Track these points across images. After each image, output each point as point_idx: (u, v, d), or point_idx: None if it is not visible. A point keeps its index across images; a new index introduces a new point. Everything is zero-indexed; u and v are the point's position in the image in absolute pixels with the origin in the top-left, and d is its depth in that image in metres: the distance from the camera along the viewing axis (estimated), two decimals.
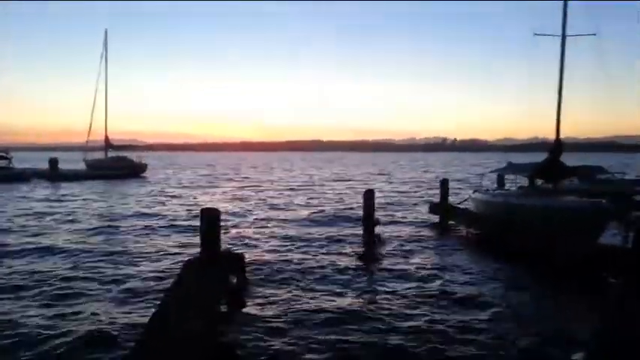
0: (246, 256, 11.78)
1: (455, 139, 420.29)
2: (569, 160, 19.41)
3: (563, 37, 16.36)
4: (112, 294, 10.12)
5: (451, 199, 21.94)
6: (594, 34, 16.34)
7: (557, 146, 16.70)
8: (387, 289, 10.64)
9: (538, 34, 17.00)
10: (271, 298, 9.87)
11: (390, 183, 46.05)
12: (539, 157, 17.74)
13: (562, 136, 17.01)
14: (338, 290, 10.59)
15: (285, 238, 16.78)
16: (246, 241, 16.21)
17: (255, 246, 15.35)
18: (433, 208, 21.31)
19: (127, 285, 10.77)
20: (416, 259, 13.67)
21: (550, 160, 16.82)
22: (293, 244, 15.63)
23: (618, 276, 10.01)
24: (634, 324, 6.54)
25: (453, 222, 19.43)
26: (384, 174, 63.02)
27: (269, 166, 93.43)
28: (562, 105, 16.71)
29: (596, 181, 23.86)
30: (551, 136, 17.08)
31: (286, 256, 13.92)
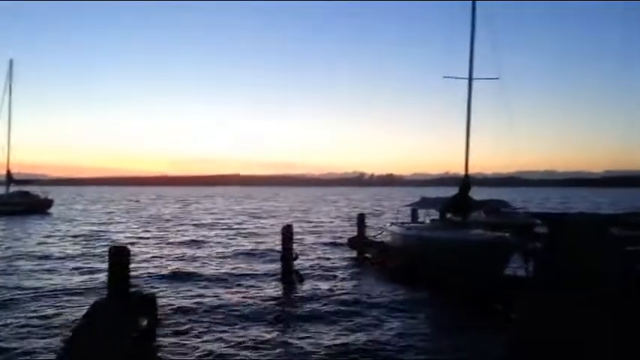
0: (159, 296, 11.25)
1: (372, 174, 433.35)
2: (478, 194, 20.64)
3: (470, 80, 17.56)
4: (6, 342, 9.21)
5: (368, 232, 22.41)
6: (497, 78, 17.70)
7: (465, 182, 17.66)
8: (304, 326, 10.54)
9: (447, 77, 18.14)
10: (182, 342, 9.44)
11: (309, 217, 46.34)
12: (451, 191, 18.67)
13: (471, 171, 18.06)
14: (254, 329, 10.34)
15: (200, 275, 16.27)
16: (159, 280, 15.52)
17: (169, 285, 14.72)
18: (350, 242, 21.62)
19: (27, 329, 9.89)
20: (333, 292, 13.74)
21: (459, 195, 17.73)
22: (208, 282, 15.17)
23: (520, 304, 10.58)
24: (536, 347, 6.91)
25: (369, 255, 19.80)
26: (302, 208, 63.38)
27: (185, 200, 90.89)
28: (470, 143, 17.81)
29: (501, 214, 25.40)
30: (461, 171, 18.09)
31: (201, 294, 13.45)
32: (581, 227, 25.66)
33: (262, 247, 23.47)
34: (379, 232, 22.22)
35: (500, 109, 17.70)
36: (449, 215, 20.55)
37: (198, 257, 20.37)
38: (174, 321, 10.80)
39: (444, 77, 18.12)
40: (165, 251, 22.17)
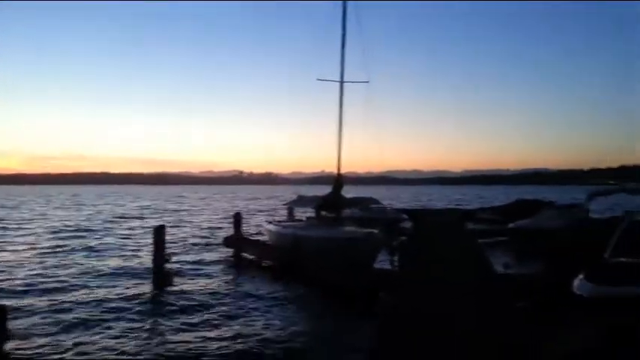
0: (10, 306, 10.24)
1: (251, 173, 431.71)
2: (351, 192, 21.60)
3: (342, 82, 18.34)
4: None
5: (245, 231, 22.37)
6: (367, 82, 18.69)
7: (338, 181, 18.40)
8: (176, 327, 10.28)
9: (320, 79, 18.76)
10: (36, 357, 8.72)
11: (184, 217, 44.96)
12: (326, 190, 19.32)
13: (344, 171, 18.86)
14: (121, 336, 9.86)
15: (62, 281, 15.09)
16: (12, 288, 14.12)
17: (24, 294, 13.45)
18: (227, 241, 21.41)
19: None
20: (209, 292, 13.55)
21: (332, 194, 18.43)
22: (72, 288, 14.14)
23: (384, 297, 11.29)
24: (402, 336, 7.46)
25: (246, 253, 19.78)
26: (178, 208, 61.28)
27: (50, 201, 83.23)
28: (343, 143, 18.59)
29: (371, 211, 26.81)
30: (336, 170, 18.82)
31: (63, 302, 12.49)
32: (441, 222, 28.10)
33: (135, 249, 22.33)
34: (257, 231, 22.31)
35: (371, 110, 18.73)
36: (323, 213, 21.26)
37: (59, 265, 18.80)
38: (31, 331, 9.92)
39: (318, 79, 18.74)
40: (23, 257, 20.16)
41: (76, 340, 9.49)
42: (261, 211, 51.05)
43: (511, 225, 24.12)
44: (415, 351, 6.76)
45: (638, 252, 10.50)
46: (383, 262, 16.65)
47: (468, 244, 18.66)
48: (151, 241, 15.31)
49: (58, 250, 22.20)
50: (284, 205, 24.54)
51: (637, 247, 10.90)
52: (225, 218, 40.71)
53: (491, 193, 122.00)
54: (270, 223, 21.17)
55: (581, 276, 9.27)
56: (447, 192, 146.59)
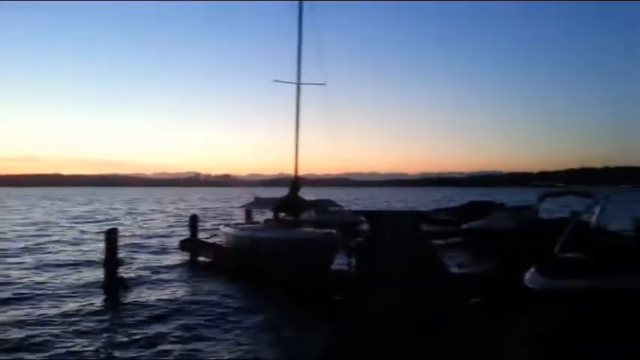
0: None
1: (209, 174, 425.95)
2: (309, 194, 21.58)
3: (298, 84, 18.31)
4: None
5: (201, 234, 21.98)
6: (324, 84, 18.73)
7: (295, 183, 18.36)
8: (131, 341, 9.93)
9: (277, 81, 18.66)
10: None
11: (138, 220, 43.84)
12: (284, 192, 19.23)
13: (302, 172, 18.83)
14: (70, 345, 9.47)
15: (5, 288, 14.39)
16: None
17: None
18: (183, 245, 20.98)
19: None
20: (164, 298, 13.20)
21: (290, 196, 18.36)
22: (18, 295, 13.48)
23: (344, 298, 11.33)
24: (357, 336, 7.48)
25: (203, 257, 19.43)
26: (131, 210, 59.71)
27: None
28: (301, 145, 18.56)
29: (329, 213, 26.91)
30: (293, 172, 18.76)
31: (6, 310, 11.91)
32: (397, 224, 28.50)
33: (87, 254, 21.56)
34: (213, 233, 21.97)
35: (328, 112, 18.82)
36: (281, 215, 21.16)
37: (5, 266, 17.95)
38: None
39: (274, 81, 18.64)
40: None
41: None
42: (218, 213, 50.45)
43: (465, 226, 24.74)
44: (370, 353, 6.79)
45: (584, 248, 11.06)
46: (340, 263, 16.73)
47: (423, 245, 18.99)
48: (102, 245, 14.82)
49: None
50: (241, 207, 24.26)
51: (582, 244, 11.47)
52: (180, 221, 39.98)
53: (446, 195, 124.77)
54: (226, 225, 20.88)
55: (532, 269, 9.67)
56: (404, 194, 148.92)
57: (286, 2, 18.75)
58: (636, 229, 19.08)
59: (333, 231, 16.12)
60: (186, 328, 10.50)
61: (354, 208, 43.79)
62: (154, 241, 26.44)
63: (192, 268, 18.28)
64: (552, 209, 26.59)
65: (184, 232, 26.32)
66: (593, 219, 12.91)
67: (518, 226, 18.40)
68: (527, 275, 9.63)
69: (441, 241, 24.31)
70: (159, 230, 33.54)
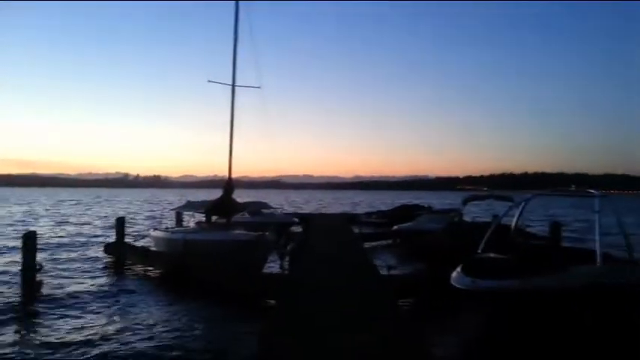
0: None
1: (138, 175, 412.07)
2: (244, 196, 21.39)
3: (233, 86, 18.12)
4: None
5: (130, 238, 21.21)
6: (259, 87, 18.65)
7: (228, 185, 18.15)
8: (46, 348, 9.43)
9: (211, 81, 18.37)
10: None
11: (60, 222, 41.58)
12: (217, 193, 18.93)
13: (237, 174, 18.64)
14: None
15: None
16: None
17: None
18: (109, 249, 20.16)
19: None
20: (87, 306, 12.59)
21: (223, 198, 18.13)
22: None
23: (276, 301, 11.33)
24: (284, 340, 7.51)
25: (130, 261, 18.75)
26: (51, 212, 56.52)
27: None
28: (236, 147, 18.37)
29: (263, 215, 26.82)
30: (227, 174, 18.50)
31: None
32: (330, 226, 28.81)
33: None
34: (142, 236, 21.29)
35: (264, 115, 18.76)
36: (214, 217, 20.84)
37: None
38: None
39: (209, 81, 18.34)
40: None
41: None
42: (147, 216, 48.81)
43: (395, 228, 25.46)
44: (301, 354, 6.84)
45: (505, 249, 11.76)
46: (273, 265, 16.71)
47: (355, 247, 19.32)
48: (18, 249, 13.94)
49: None
50: (172, 210, 23.65)
51: (503, 245, 12.18)
52: (105, 224, 38.34)
53: (378, 197, 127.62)
54: (156, 229, 20.27)
55: (458, 270, 10.13)
56: (338, 196, 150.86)
57: (223, 2, 18.54)
58: (551, 231, 20.53)
59: (266, 233, 16.07)
60: (106, 341, 10.09)
61: (288, 210, 43.89)
62: (77, 245, 25.14)
63: (118, 273, 17.57)
64: (476, 212, 27.88)
65: (110, 235, 25.33)
66: (513, 221, 13.71)
67: (444, 227, 19.22)
68: (454, 275, 10.08)
69: (372, 243, 24.87)
70: (83, 233, 31.94)
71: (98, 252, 21.34)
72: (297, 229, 28.45)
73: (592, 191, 12.00)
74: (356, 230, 26.15)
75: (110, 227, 33.50)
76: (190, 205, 20.70)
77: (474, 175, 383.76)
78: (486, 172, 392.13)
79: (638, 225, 41.84)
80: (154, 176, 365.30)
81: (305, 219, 32.78)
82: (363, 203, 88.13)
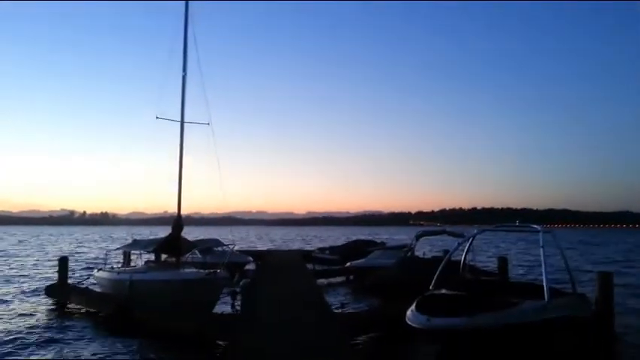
0: None
1: (84, 213, 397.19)
2: (195, 233, 20.91)
3: (182, 122, 17.98)
4: None
5: (73, 278, 20.24)
6: (208, 123, 18.54)
7: (177, 222, 17.75)
8: None
9: (160, 118, 18.16)
10: None
11: None
12: (167, 231, 18.44)
13: (189, 211, 18.29)
14: None
15: None
16: None
17: None
18: (50, 290, 19.13)
19: None
20: (21, 353, 11.81)
21: (172, 236, 17.69)
22: None
23: (226, 342, 11.01)
24: None
25: (73, 304, 17.82)
26: None
27: None
28: (186, 184, 18.07)
29: (214, 253, 26.24)
30: (177, 211, 18.10)
31: None
32: (283, 263, 28.56)
33: None
34: (86, 277, 20.37)
35: (214, 152, 18.60)
36: (163, 257, 20.24)
37: None
38: None
39: (157, 118, 18.14)
40: None
41: None
42: (93, 255, 46.85)
43: (348, 264, 25.48)
44: None
45: (456, 285, 11.95)
46: (224, 305, 16.28)
47: (308, 284, 19.17)
48: None
49: None
50: (118, 249, 22.79)
51: (454, 280, 12.40)
52: (48, 263, 36.49)
53: (332, 233, 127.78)
54: (101, 269, 19.45)
55: (412, 308, 10.19)
56: (292, 232, 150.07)
57: (173, 35, 18.53)
58: (499, 265, 21.08)
59: (217, 272, 15.71)
60: None
61: (241, 247, 43.19)
62: (16, 287, 23.74)
63: (60, 316, 16.64)
64: (428, 247, 28.34)
65: (52, 276, 24.09)
66: (462, 257, 14.01)
67: (396, 263, 19.39)
68: (408, 313, 10.11)
69: (325, 280, 24.75)
70: (21, 274, 30.24)
71: (39, 294, 20.22)
72: (250, 266, 27.98)
73: (536, 227, 12.44)
74: (309, 267, 26.02)
75: (52, 267, 31.94)
76: (137, 244, 20.03)
77: (425, 210, 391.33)
78: (437, 208, 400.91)
79: (580, 257, 43.67)
80: (102, 213, 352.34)
81: (258, 256, 32.35)
82: (317, 239, 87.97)
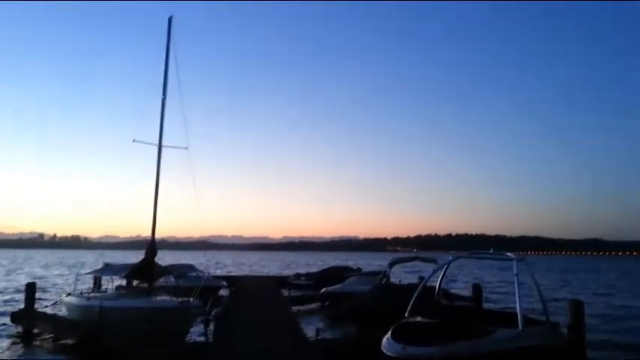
0: None
1: (55, 235, 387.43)
2: (170, 257, 20.56)
3: (160, 146, 17.86)
4: None
5: (40, 304, 19.62)
6: (186, 148, 18.45)
7: (151, 247, 17.45)
8: None
9: (137, 141, 18.01)
10: None
11: None
12: (141, 255, 18.09)
13: (164, 235, 18.05)
14: None
15: None
16: None
17: None
18: (15, 317, 18.48)
19: None
20: None
21: (145, 261, 17.36)
22: None
23: None
24: None
25: (40, 331, 17.24)
26: None
27: None
28: (161, 207, 17.86)
29: (188, 278, 25.82)
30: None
31: None
32: (258, 289, 28.25)
33: None
34: (54, 303, 19.76)
35: (191, 176, 18.47)
36: (135, 282, 19.82)
37: None
38: None
39: (134, 141, 17.98)
40: None
41: None
42: (62, 280, 45.55)
43: (323, 290, 25.36)
44: None
45: (431, 312, 11.97)
46: (197, 333, 15.95)
47: (283, 311, 18.95)
48: None
49: None
50: (88, 273, 22.24)
51: (429, 308, 12.42)
52: (15, 288, 35.32)
53: (308, 259, 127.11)
54: (70, 294, 18.89)
55: (387, 336, 10.15)
56: (268, 257, 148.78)
57: (152, 57, 18.57)
58: (473, 292, 21.22)
59: (191, 299, 15.44)
60: None
61: (217, 272, 42.64)
62: None
63: (27, 344, 16.08)
64: (403, 273, 28.43)
65: (18, 302, 23.31)
66: (438, 284, 14.06)
67: (372, 290, 19.37)
68: (384, 342, 10.06)
69: (301, 306, 24.52)
70: None
71: (4, 320, 19.53)
72: (225, 292, 27.59)
73: (509, 254, 12.58)
74: (285, 293, 25.77)
75: (19, 292, 30.90)
76: (108, 269, 19.59)
77: (401, 236, 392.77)
78: (413, 234, 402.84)
79: (553, 285, 44.30)
80: (73, 236, 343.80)
81: (233, 282, 31.93)
82: (293, 264, 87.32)
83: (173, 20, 18.80)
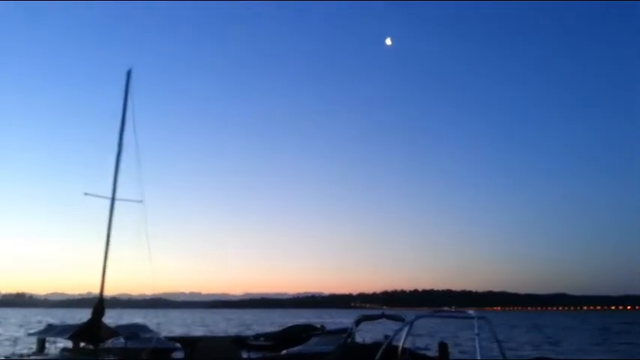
0: None
1: None
2: (122, 315, 19.28)
3: (113, 199, 17.15)
4: None
5: None
6: (141, 201, 17.78)
7: (98, 307, 16.40)
8: None
9: (88, 194, 17.28)
10: None
11: None
12: (89, 314, 16.98)
13: (115, 292, 17.14)
14: None
15: None
16: None
17: None
18: None
19: None
20: None
21: (92, 321, 16.27)
22: None
23: None
24: None
25: None
26: None
27: None
28: (112, 264, 16.94)
29: (140, 339, 24.34)
30: (104, 292, 16.79)
31: None
32: (215, 350, 26.89)
33: None
34: None
35: (145, 231, 17.71)
36: (82, 344, 18.51)
37: None
38: None
39: (85, 194, 17.27)
40: None
41: None
42: (2, 341, 42.36)
43: (284, 352, 24.31)
44: None
45: None
46: None
47: None
48: None
49: None
50: (31, 334, 20.65)
51: None
52: None
53: (269, 317, 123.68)
54: (8, 359, 17.40)
55: None
56: (227, 316, 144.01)
57: (109, 111, 18.13)
58: (439, 350, 20.67)
59: None
60: None
61: (172, 332, 40.61)
62: None
63: None
64: (369, 331, 27.64)
65: None
66: (401, 342, 13.59)
67: (336, 350, 18.61)
68: None
69: None
70: None
71: None
72: (178, 354, 26.11)
73: (470, 313, 12.39)
74: (244, 355, 24.60)
75: None
76: (52, 329, 18.22)
77: (367, 292, 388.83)
78: (379, 289, 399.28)
79: (517, 340, 44.16)
80: (17, 294, 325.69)
81: (188, 343, 30.34)
82: (254, 323, 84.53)
83: (132, 73, 18.55)
